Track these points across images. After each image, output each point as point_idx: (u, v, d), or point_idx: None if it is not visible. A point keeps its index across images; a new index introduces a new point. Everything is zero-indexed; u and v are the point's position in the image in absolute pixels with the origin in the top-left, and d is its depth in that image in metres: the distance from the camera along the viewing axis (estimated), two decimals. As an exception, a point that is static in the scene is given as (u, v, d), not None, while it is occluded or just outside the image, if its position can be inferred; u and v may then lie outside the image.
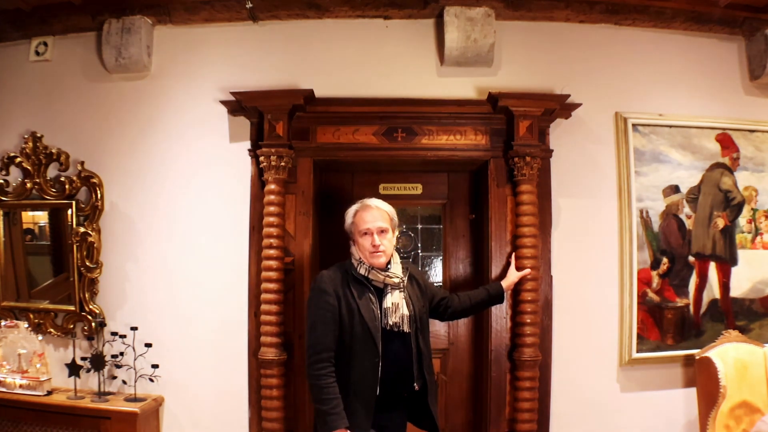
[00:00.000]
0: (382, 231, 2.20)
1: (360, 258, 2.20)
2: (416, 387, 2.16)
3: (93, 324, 2.88)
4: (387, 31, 2.99)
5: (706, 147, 3.00)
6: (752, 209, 3.03)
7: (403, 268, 2.26)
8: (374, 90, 2.90)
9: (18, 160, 2.97)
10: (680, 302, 2.95)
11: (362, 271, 2.18)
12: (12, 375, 2.83)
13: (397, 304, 2.14)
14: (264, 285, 2.70)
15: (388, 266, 2.21)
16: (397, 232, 2.32)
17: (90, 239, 2.89)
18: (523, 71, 2.97)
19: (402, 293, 2.18)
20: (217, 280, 2.89)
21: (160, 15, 2.96)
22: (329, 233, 3.05)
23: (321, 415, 2.04)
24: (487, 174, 2.85)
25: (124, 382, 2.85)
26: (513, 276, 2.67)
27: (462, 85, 2.94)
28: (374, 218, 2.20)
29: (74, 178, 2.92)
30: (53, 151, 2.94)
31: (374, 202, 2.27)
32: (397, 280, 2.18)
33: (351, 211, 2.27)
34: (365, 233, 2.19)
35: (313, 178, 2.86)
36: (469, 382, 3.13)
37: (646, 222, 2.93)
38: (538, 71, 2.97)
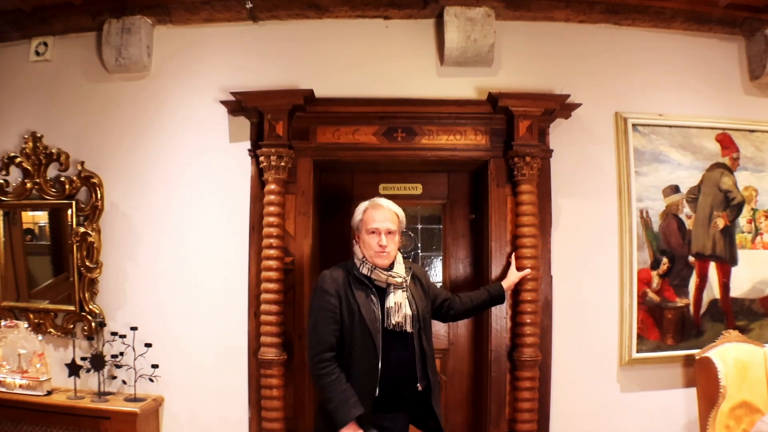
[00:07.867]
0: (389, 232, 2.19)
1: (363, 257, 2.20)
2: (419, 387, 2.15)
3: (93, 324, 2.88)
4: (387, 31, 2.99)
5: (706, 147, 3.00)
6: (752, 209, 3.03)
7: (406, 267, 2.26)
8: (374, 90, 2.90)
9: (18, 160, 2.97)
10: (680, 302, 2.95)
11: (364, 271, 2.17)
12: (12, 375, 2.83)
13: (399, 304, 2.13)
14: (264, 285, 2.70)
15: (391, 266, 2.20)
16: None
17: (90, 239, 2.89)
18: (523, 71, 2.97)
19: (405, 293, 2.17)
20: (217, 279, 2.89)
21: (160, 15, 2.96)
22: (329, 233, 3.05)
23: (336, 410, 2.01)
24: (487, 174, 2.85)
25: (124, 382, 2.85)
26: (513, 276, 2.67)
27: (462, 85, 2.94)
28: (384, 218, 2.19)
29: (74, 178, 2.92)
30: (53, 151, 2.94)
31: (385, 202, 2.26)
32: (399, 280, 2.17)
33: (361, 207, 2.26)
34: (373, 232, 2.18)
35: (313, 178, 2.86)
36: (469, 382, 3.13)
37: (646, 222, 2.93)
38: (538, 71, 2.97)
